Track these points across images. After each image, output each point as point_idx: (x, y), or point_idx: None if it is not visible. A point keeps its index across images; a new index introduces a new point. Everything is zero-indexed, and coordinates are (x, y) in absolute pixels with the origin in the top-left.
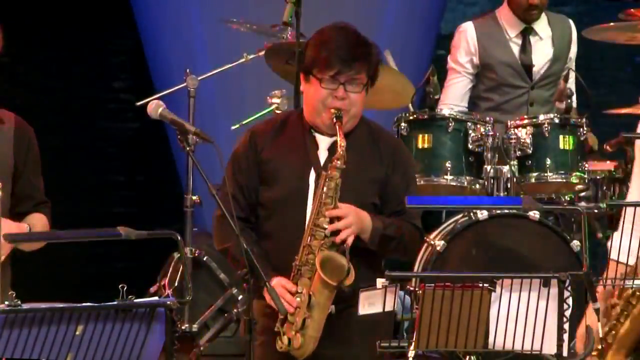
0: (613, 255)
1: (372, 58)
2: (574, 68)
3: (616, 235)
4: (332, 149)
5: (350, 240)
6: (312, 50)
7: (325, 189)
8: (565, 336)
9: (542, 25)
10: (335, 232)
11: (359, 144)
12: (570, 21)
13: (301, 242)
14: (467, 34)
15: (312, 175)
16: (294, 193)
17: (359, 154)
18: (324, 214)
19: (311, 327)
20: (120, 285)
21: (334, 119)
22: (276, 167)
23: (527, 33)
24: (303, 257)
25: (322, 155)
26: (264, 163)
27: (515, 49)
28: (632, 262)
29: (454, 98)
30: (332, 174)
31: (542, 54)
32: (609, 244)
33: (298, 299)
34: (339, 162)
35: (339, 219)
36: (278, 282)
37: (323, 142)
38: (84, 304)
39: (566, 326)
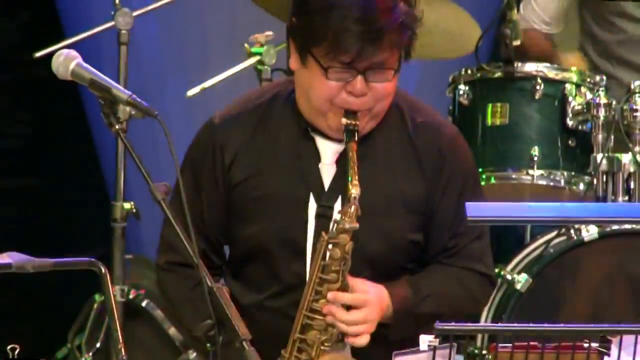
0: None
1: (409, 23)
2: None
3: None
4: (344, 162)
5: (364, 340)
6: (309, 15)
7: (327, 259)
8: None
9: None
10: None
11: (383, 146)
12: None
13: (296, 316)
14: None
15: (312, 205)
16: (285, 236)
17: (383, 166)
18: (325, 295)
19: None
20: (9, 347)
21: (345, 136)
22: (255, 192)
23: None
24: (293, 355)
25: (327, 172)
26: (235, 185)
27: None
28: None
29: (539, 11)
30: (337, 238)
31: None
32: None
33: None
34: (347, 219)
35: (348, 307)
36: None
37: (327, 151)
38: None
39: None
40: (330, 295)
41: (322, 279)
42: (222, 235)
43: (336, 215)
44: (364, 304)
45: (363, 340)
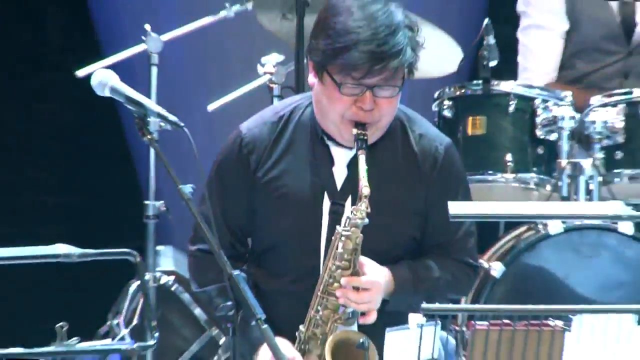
0: None
1: (412, 46)
2: None
3: None
4: (353, 166)
5: (372, 318)
6: (326, 38)
7: (340, 249)
8: None
9: None
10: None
11: (388, 156)
12: None
13: (312, 297)
14: None
15: (327, 203)
16: (302, 229)
17: (389, 173)
18: (338, 280)
19: None
20: (58, 325)
21: (356, 144)
22: (276, 192)
23: None
24: (310, 330)
25: (339, 174)
26: (260, 186)
27: (613, 2)
28: None
29: (546, 64)
30: (349, 231)
31: None
32: None
33: None
34: (358, 215)
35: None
36: (284, 343)
37: (340, 156)
38: (9, 350)
39: None
40: (343, 280)
41: (336, 266)
42: (246, 229)
43: (348, 212)
44: (372, 285)
45: (371, 319)
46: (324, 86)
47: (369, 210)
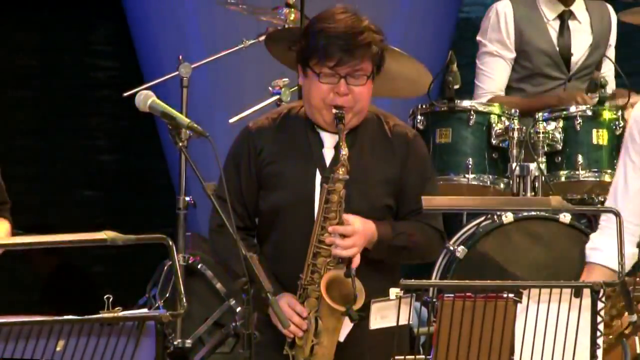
0: (598, 259)
1: (376, 44)
2: (613, 56)
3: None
4: (339, 147)
5: (356, 262)
6: (307, 39)
7: (328, 203)
8: (599, 352)
9: (580, 10)
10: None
11: (367, 139)
12: (609, 6)
13: (309, 248)
14: (505, 16)
15: (318, 177)
16: (299, 198)
17: (368, 151)
18: (328, 230)
19: (321, 354)
20: (105, 296)
21: (336, 121)
22: (277, 169)
23: (565, 16)
24: (308, 276)
25: (328, 154)
26: (264, 165)
27: (553, 35)
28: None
29: (497, 84)
30: (334, 186)
31: (581, 41)
32: (588, 245)
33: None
34: (340, 172)
35: (343, 235)
36: (286, 301)
37: (328, 140)
38: (65, 317)
39: (600, 341)
40: (330, 228)
41: (325, 218)
42: (254, 204)
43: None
44: (353, 233)
45: (355, 262)
46: (308, 79)
47: (348, 168)
